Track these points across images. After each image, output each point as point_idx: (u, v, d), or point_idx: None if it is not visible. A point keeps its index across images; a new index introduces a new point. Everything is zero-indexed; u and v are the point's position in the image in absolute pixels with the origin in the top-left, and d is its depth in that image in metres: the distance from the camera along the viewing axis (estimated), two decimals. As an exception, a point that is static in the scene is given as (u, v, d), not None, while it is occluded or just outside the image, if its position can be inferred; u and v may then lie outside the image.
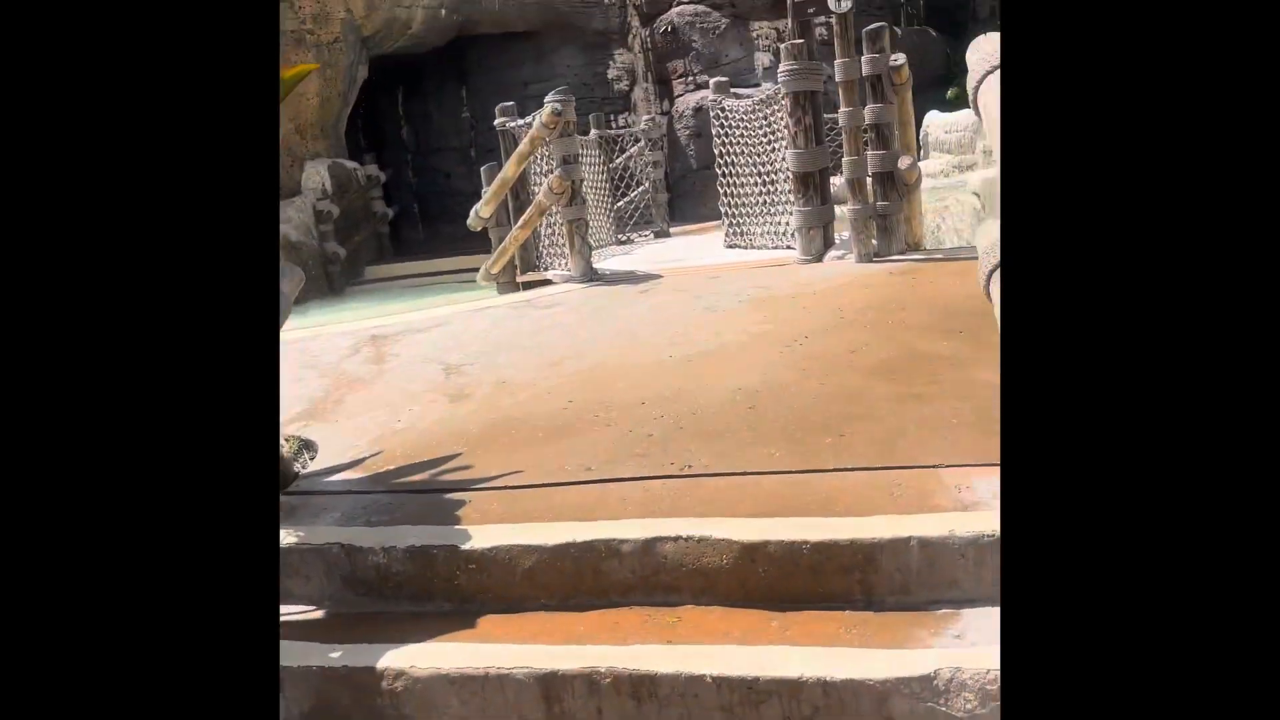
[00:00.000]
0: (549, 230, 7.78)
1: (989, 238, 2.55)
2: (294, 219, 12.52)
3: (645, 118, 11.40)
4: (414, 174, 16.64)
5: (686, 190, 15.21)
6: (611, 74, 15.81)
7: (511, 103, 8.10)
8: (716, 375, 4.03)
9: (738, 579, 2.52)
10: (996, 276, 2.40)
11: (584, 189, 9.76)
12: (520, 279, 7.86)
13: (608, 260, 8.64)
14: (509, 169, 7.37)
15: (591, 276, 7.14)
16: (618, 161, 11.26)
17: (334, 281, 12.89)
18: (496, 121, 7.96)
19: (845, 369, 3.89)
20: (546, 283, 7.55)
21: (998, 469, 2.99)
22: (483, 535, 2.73)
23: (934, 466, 2.84)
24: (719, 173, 8.30)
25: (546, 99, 6.94)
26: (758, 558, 2.50)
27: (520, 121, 7.79)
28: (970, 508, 2.55)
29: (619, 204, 11.32)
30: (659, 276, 6.95)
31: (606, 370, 4.36)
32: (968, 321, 4.35)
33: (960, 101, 13.87)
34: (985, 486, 2.65)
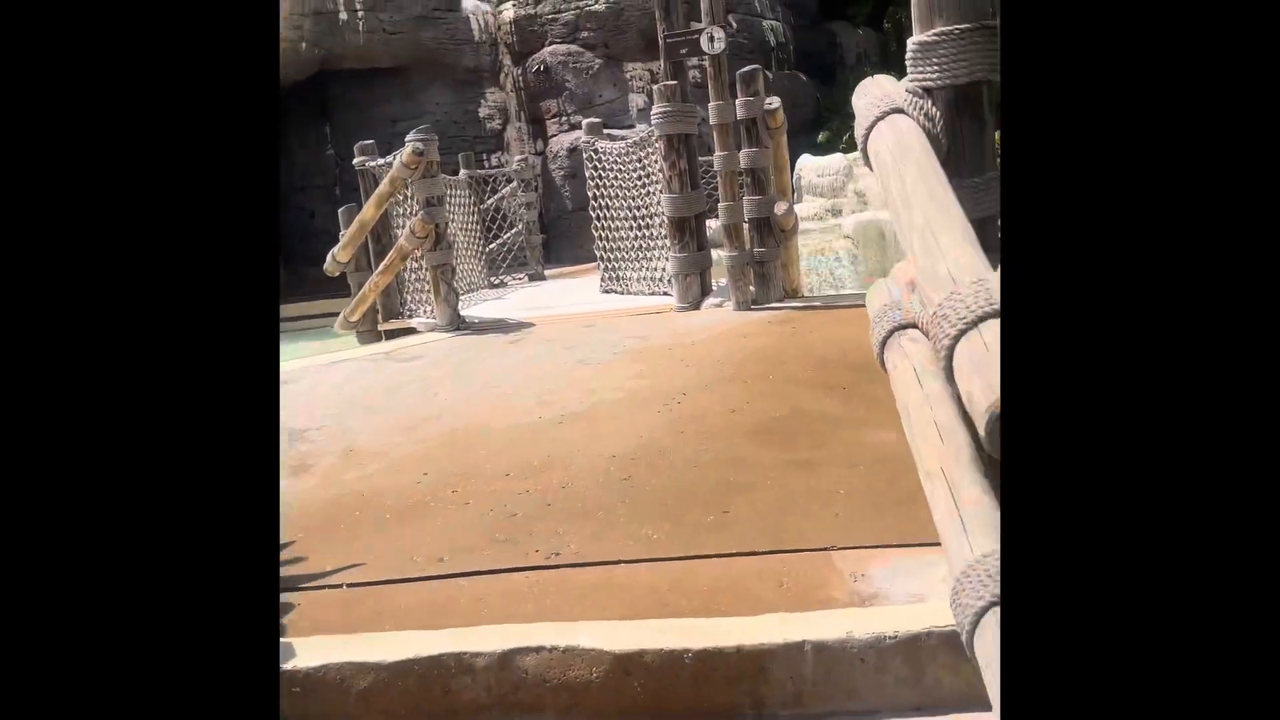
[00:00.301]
0: (414, 275, 7.34)
1: (881, 300, 2.31)
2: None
3: (518, 158, 11.09)
4: (284, 204, 15.84)
5: (562, 232, 14.94)
6: (483, 112, 15.46)
7: (371, 141, 7.65)
8: (589, 440, 3.69)
9: (610, 694, 2.18)
10: (894, 343, 2.16)
11: (452, 232, 9.35)
12: (382, 327, 7.38)
13: (478, 306, 8.25)
14: (368, 211, 6.92)
15: (459, 325, 6.73)
16: (489, 202, 10.89)
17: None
18: (356, 160, 7.49)
19: (726, 431, 3.62)
20: (411, 331, 7.10)
21: (894, 551, 2.79)
22: (310, 650, 2.30)
23: (825, 549, 2.57)
24: (593, 216, 8.05)
25: (408, 138, 6.53)
26: (633, 669, 2.16)
27: (381, 161, 7.35)
28: (868, 601, 2.28)
29: (491, 246, 10.93)
30: (531, 325, 6.60)
31: (468, 435, 3.97)
32: (851, 376, 4.15)
33: (831, 145, 14.11)
34: (882, 574, 2.39)
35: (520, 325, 6.62)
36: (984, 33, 2.08)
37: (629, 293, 7.58)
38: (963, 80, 2.08)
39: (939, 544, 1.90)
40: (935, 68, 2.08)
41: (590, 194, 8.04)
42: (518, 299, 8.81)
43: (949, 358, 1.52)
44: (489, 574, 2.63)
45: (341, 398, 4.85)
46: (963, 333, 1.48)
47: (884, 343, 2.23)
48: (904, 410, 2.01)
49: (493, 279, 10.69)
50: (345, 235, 7.20)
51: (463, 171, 10.38)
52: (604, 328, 6.09)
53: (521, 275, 11.13)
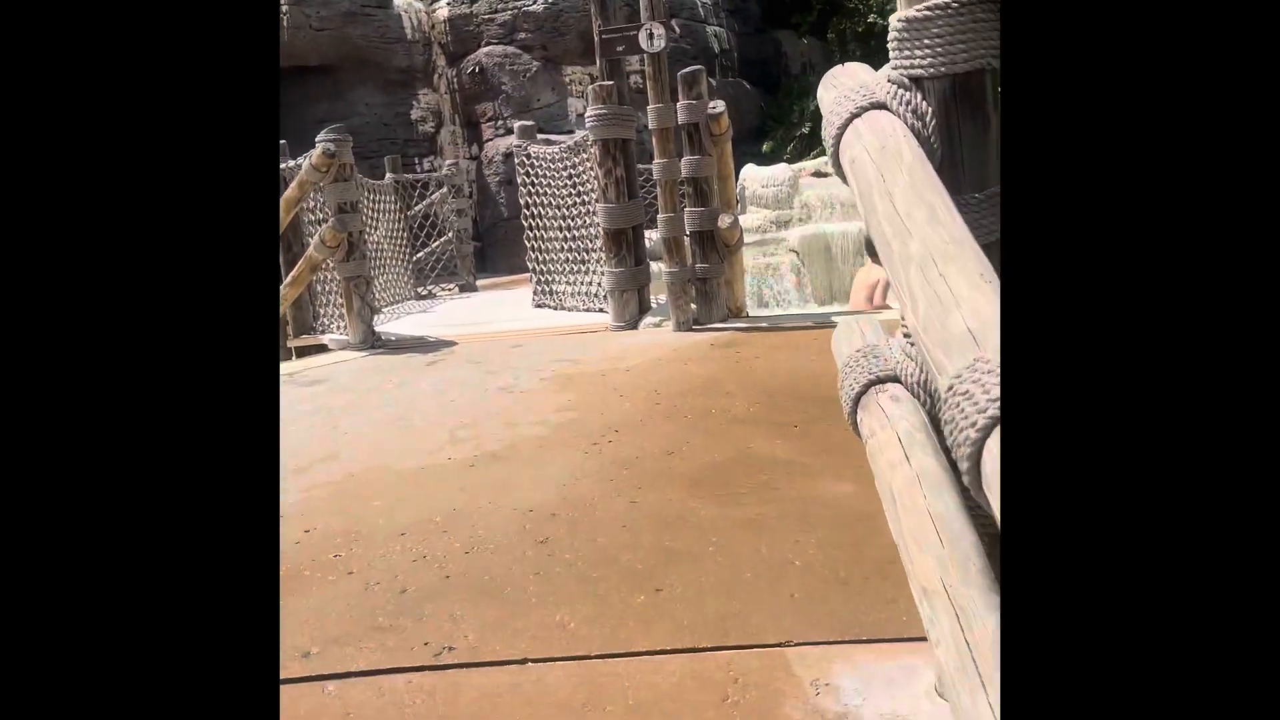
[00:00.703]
0: (326, 288, 6.75)
1: (852, 343, 1.85)
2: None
3: (448, 162, 10.53)
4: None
5: (497, 240, 14.39)
6: (415, 114, 14.82)
7: (282, 141, 7.02)
8: (504, 488, 3.18)
9: None
10: (871, 402, 1.69)
11: (376, 240, 8.78)
12: (291, 344, 6.78)
13: (400, 321, 7.67)
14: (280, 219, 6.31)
15: (373, 343, 6.17)
16: (417, 208, 10.30)
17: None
18: (265, 161, 6.88)
19: (663, 479, 3.13)
20: (322, 349, 6.51)
21: (863, 650, 2.32)
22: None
23: (780, 645, 2.10)
24: (526, 225, 7.55)
25: (318, 138, 5.96)
26: (534, 825, 1.66)
27: (292, 162, 6.75)
28: (836, 723, 1.81)
29: (419, 255, 10.35)
30: (453, 344, 6.06)
31: (366, 480, 3.43)
32: (802, 413, 3.70)
33: (776, 155, 13.77)
34: (851, 684, 1.92)
35: (441, 344, 6.08)
36: (989, 8, 1.63)
37: (562, 308, 7.09)
38: (961, 67, 1.62)
39: (921, 639, 1.45)
40: (927, 51, 1.62)
41: (522, 201, 7.53)
42: (444, 312, 8.25)
43: (975, 462, 1.04)
44: (362, 676, 2.11)
45: (227, 430, 4.26)
46: (997, 424, 1.01)
47: (857, 400, 1.77)
48: (887, 495, 1.55)
49: (420, 289, 10.11)
50: (251, 243, 6.58)
51: (389, 175, 9.79)
52: (532, 348, 5.58)
53: (451, 286, 10.56)
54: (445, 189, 10.43)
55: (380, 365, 5.56)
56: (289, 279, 6.37)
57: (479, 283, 11.58)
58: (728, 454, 3.33)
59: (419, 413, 4.29)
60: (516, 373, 4.91)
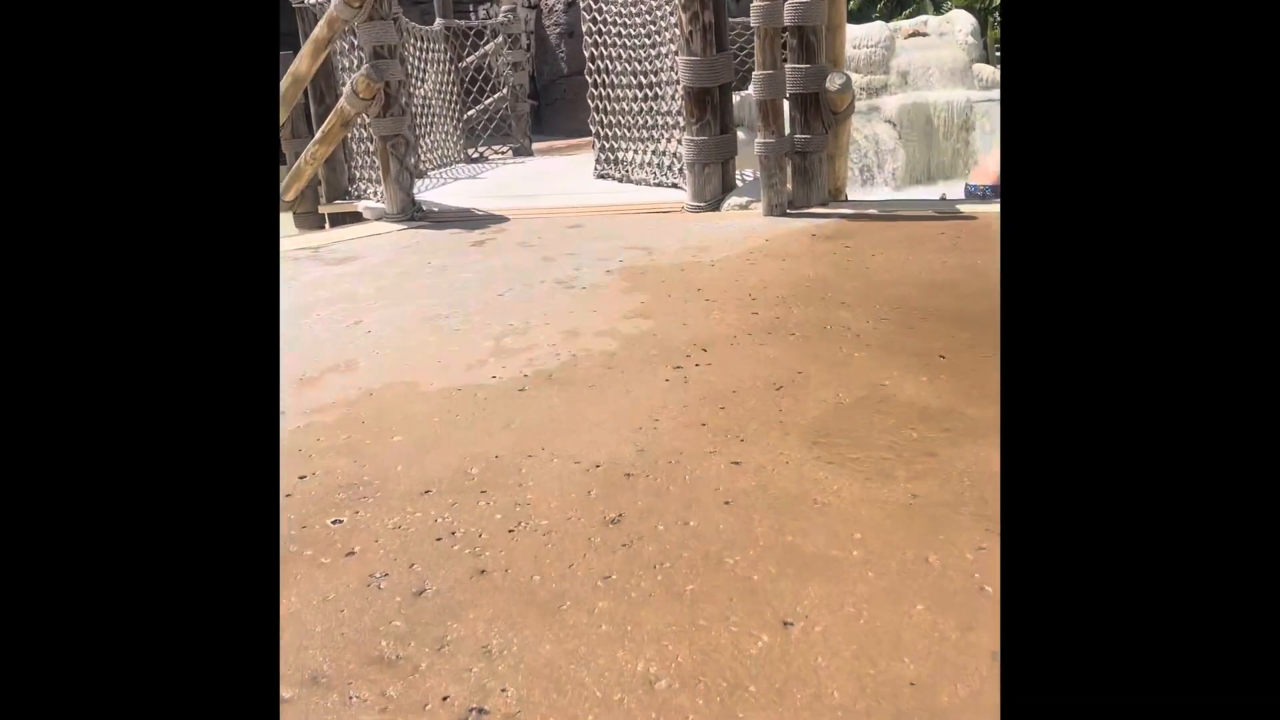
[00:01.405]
0: (363, 147, 5.92)
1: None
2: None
3: (505, 8, 9.43)
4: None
5: (556, 98, 13.33)
6: (472, -46, 13.56)
7: (315, -30, 6.05)
8: (562, 427, 2.43)
9: None
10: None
11: (420, 94, 7.87)
12: (324, 209, 6.01)
13: (447, 188, 6.83)
14: (302, 62, 5.45)
15: (413, 214, 5.37)
16: (469, 60, 9.30)
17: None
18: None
19: (772, 427, 2.35)
20: (356, 218, 5.74)
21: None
22: None
23: (992, 753, 1.35)
24: (590, 81, 6.58)
25: (352, -35, 5.02)
26: None
27: (324, -4, 5.82)
28: None
29: (470, 112, 9.41)
30: (504, 220, 5.23)
31: (384, 404, 2.69)
32: (946, 337, 2.87)
33: (864, 14, 12.34)
34: None
35: (490, 219, 5.26)
36: None
37: (629, 180, 6.19)
38: None
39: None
40: None
41: (588, 53, 6.55)
42: (496, 179, 7.39)
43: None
44: (348, 757, 1.40)
45: (229, 319, 3.53)
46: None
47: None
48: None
49: (470, 151, 9.22)
50: (280, 88, 5.73)
51: (438, 20, 8.77)
52: (596, 230, 4.75)
53: (504, 149, 9.65)
54: (501, 38, 9.38)
55: (419, 242, 4.77)
56: (318, 135, 5.54)
57: (534, 146, 10.67)
58: (855, 393, 2.52)
59: (459, 309, 3.51)
60: (577, 261, 4.09)
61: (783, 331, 3.03)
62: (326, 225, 6.02)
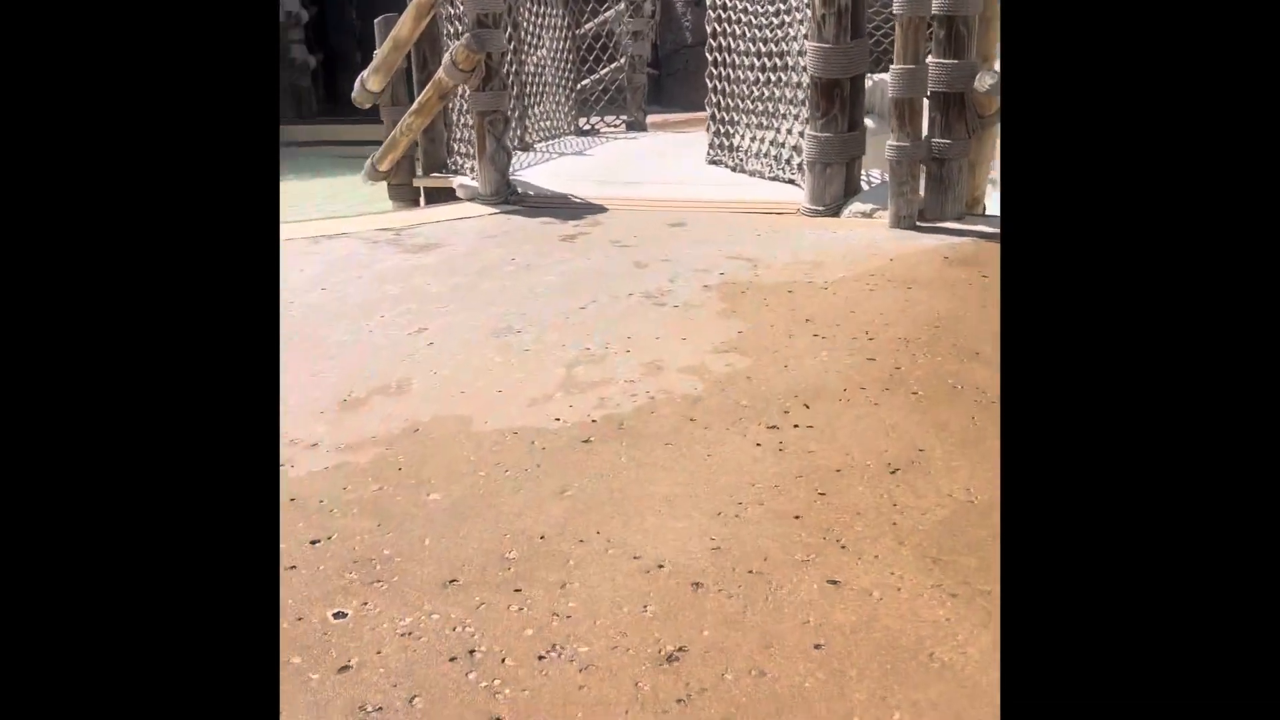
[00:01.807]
0: (463, 119, 5.59)
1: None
2: (185, 57, 10.07)
3: (629, -27, 8.96)
4: (357, 12, 14.00)
5: (677, 69, 12.84)
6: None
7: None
8: (623, 505, 2.02)
9: None
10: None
11: (534, 60, 7.52)
12: (419, 182, 5.71)
13: (550, 165, 6.46)
14: (403, 26, 5.13)
15: (507, 196, 5.01)
16: (587, 26, 8.89)
17: (234, 140, 10.54)
18: (402, -47, 5.61)
19: (884, 532, 1.89)
20: (451, 195, 5.42)
21: None
22: None
23: None
24: (710, 59, 6.11)
25: (459, -76, 4.66)
26: None
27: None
28: None
29: (585, 82, 9.02)
30: (601, 210, 4.83)
31: (429, 445, 2.33)
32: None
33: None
34: None
35: (586, 209, 4.86)
36: None
37: (742, 170, 5.71)
38: None
39: None
40: None
41: (710, 28, 6.07)
42: (602, 158, 6.98)
43: None
44: None
45: (285, 315, 3.23)
46: None
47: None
48: None
49: (582, 122, 8.85)
50: (377, 56, 5.44)
51: (559, -17, 8.38)
52: (698, 230, 4.30)
53: (618, 122, 9.24)
54: (623, 5, 8.93)
55: (508, 231, 4.41)
56: (414, 106, 5.23)
57: (649, 119, 10.22)
58: (989, 489, 2.04)
59: (534, 322, 3.13)
60: (673, 270, 3.66)
61: (903, 388, 2.55)
62: (421, 200, 5.73)
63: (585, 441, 2.31)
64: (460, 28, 5.05)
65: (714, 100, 6.10)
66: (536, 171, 6.05)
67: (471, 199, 5.09)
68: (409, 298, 3.39)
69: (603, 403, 2.51)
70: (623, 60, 9.09)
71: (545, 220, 4.60)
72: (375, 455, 2.27)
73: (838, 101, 4.39)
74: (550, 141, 7.85)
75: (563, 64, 8.38)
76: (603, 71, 9.09)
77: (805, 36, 4.50)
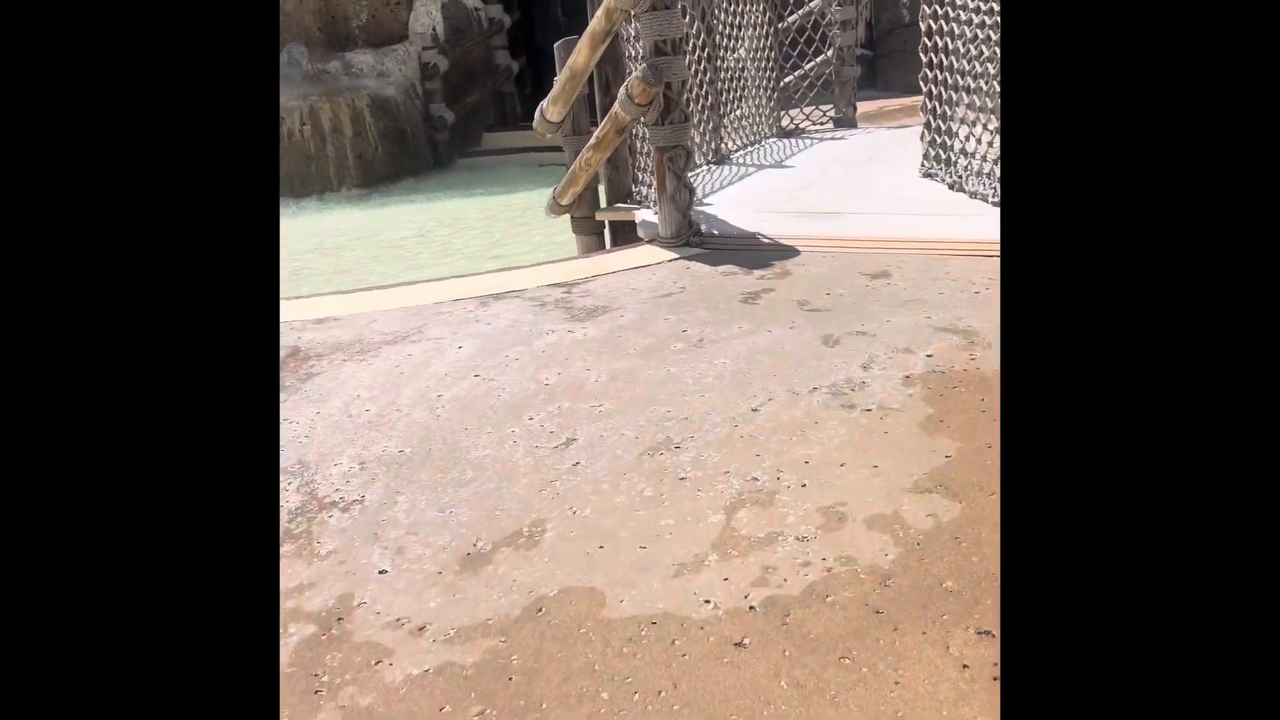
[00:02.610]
0: (646, 147, 5.19)
1: None
2: (393, 73, 10.30)
3: (836, -43, 8.23)
4: (564, 14, 13.93)
5: (893, 50, 11.90)
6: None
7: (474, 2, 5.29)
8: (777, 770, 1.55)
9: None
10: None
11: (733, 59, 7.01)
12: (602, 215, 5.38)
13: (740, 187, 5.96)
14: (579, 55, 4.77)
15: (689, 238, 4.57)
16: (791, 19, 8.25)
17: (439, 152, 10.71)
18: (584, -30, 5.25)
19: None
20: (631, 234, 5.05)
21: None
22: None
23: None
24: (925, 44, 5.41)
25: (634, -55, 4.23)
26: None
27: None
28: None
29: (788, 79, 8.40)
30: (792, 254, 4.30)
31: (553, 632, 1.94)
32: None
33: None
34: None
35: (776, 252, 4.33)
36: None
37: (961, 189, 4.99)
38: None
39: None
40: None
41: (925, 8, 5.37)
42: (803, 169, 6.38)
43: None
44: None
45: (431, 413, 2.94)
46: None
47: None
48: None
49: (787, 118, 8.26)
50: (555, 84, 5.13)
51: (758, -25, 7.79)
52: (904, 283, 3.69)
53: (824, 118, 8.56)
54: (830, -8, 8.23)
55: (684, 287, 3.97)
56: (592, 140, 4.88)
57: (861, 105, 9.47)
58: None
59: (696, 433, 2.67)
60: (869, 348, 3.10)
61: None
62: (606, 235, 5.40)
63: (737, 645, 1.84)
64: (639, 50, 4.63)
65: (932, 93, 5.40)
66: (727, 196, 5.57)
67: (652, 240, 4.69)
68: (564, 392, 3.03)
69: (766, 576, 2.03)
70: (830, 52, 8.40)
71: (727, 270, 4.13)
72: (487, 651, 1.90)
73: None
74: (748, 150, 7.33)
75: (764, 62, 7.82)
76: (808, 66, 8.44)
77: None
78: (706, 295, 3.82)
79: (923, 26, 5.48)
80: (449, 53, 10.57)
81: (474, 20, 11.05)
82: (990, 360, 2.93)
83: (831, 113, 8.58)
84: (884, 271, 3.87)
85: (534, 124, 5.39)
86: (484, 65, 11.36)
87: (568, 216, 5.48)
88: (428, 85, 10.39)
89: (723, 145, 7.01)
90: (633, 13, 4.28)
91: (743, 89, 7.63)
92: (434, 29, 10.52)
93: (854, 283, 3.77)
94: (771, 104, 8.05)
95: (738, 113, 7.76)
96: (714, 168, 6.71)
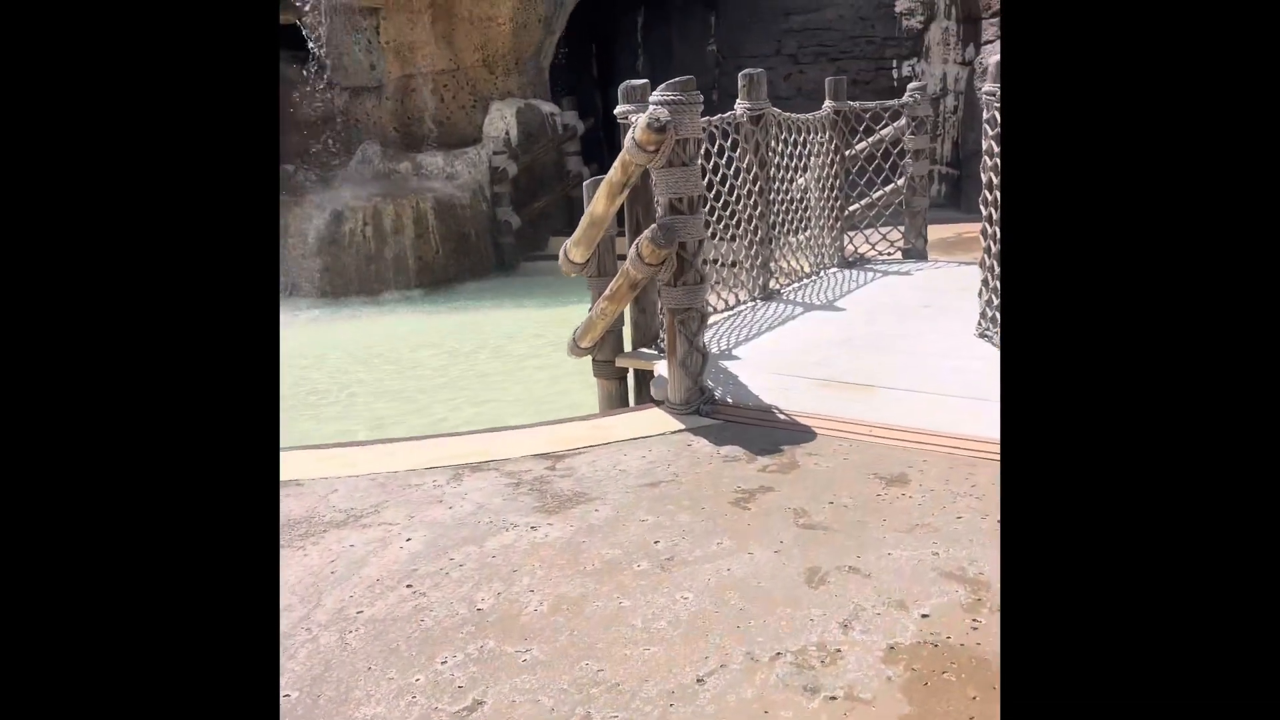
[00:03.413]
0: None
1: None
2: (462, 176, 10.30)
3: (913, 85, 7.89)
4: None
5: (976, 171, 11.43)
6: (901, 5, 12.07)
7: (643, 81, 5.03)
8: None
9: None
10: None
11: (795, 187, 6.69)
12: (622, 361, 5.04)
13: (779, 333, 5.56)
14: (598, 204, 4.49)
15: (699, 405, 4.18)
16: (859, 147, 7.91)
17: (504, 255, 10.61)
18: (618, 110, 5.00)
19: None
20: (648, 385, 4.69)
21: None
22: None
23: None
24: (985, 182, 5.03)
25: (652, 98, 3.95)
26: None
27: (621, 109, 4.83)
28: None
29: (853, 207, 8.03)
30: (808, 435, 3.86)
31: None
32: None
33: None
34: None
35: (789, 433, 3.91)
36: None
37: (1015, 362, 4.49)
38: None
39: None
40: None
41: (985, 144, 5.02)
42: (853, 312, 5.95)
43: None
44: None
45: (341, 641, 2.57)
46: None
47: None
48: None
49: (852, 246, 7.87)
50: (579, 226, 4.86)
51: (827, 104, 7.49)
52: (919, 494, 3.22)
53: (893, 249, 8.13)
54: (904, 121, 7.88)
55: (676, 475, 3.57)
56: (607, 291, 4.56)
57: (939, 230, 9.07)
58: None
59: (623, 712, 2.24)
60: (857, 596, 2.64)
61: None
62: (630, 381, 5.06)
63: None
64: (655, 207, 4.32)
65: (989, 247, 4.97)
66: (760, 346, 5.18)
67: (661, 401, 4.31)
68: (494, 624, 2.64)
69: None
70: (900, 181, 8.02)
71: (730, 453, 3.71)
72: None
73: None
74: (802, 284, 6.96)
75: (828, 190, 7.48)
76: (875, 195, 8.07)
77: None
78: (697, 488, 3.41)
79: (984, 144, 5.08)
80: (519, 157, 10.53)
81: (548, 125, 11.02)
82: (995, 631, 2.43)
83: (901, 243, 8.15)
84: (901, 475, 3.40)
85: (559, 262, 5.11)
86: (555, 170, 11.30)
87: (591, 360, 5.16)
88: (496, 189, 10.35)
89: (771, 282, 6.65)
90: (652, 166, 3.98)
91: (802, 217, 7.29)
92: (507, 133, 10.51)
93: (864, 489, 3.31)
94: (835, 232, 7.68)
95: (795, 241, 7.42)
96: (760, 305, 6.34)
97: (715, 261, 6.71)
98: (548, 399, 6.35)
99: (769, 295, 6.51)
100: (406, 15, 10.12)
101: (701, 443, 3.85)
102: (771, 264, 6.68)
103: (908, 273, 7.48)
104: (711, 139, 6.11)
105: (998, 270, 4.92)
